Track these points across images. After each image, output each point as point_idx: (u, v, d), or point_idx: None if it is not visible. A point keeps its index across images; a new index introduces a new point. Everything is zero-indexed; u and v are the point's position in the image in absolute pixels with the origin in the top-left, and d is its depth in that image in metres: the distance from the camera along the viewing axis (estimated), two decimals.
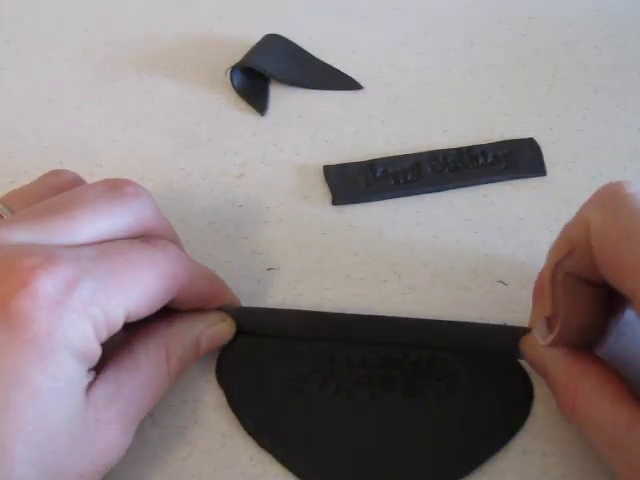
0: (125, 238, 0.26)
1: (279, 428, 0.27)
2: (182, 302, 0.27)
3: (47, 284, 0.22)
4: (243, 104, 0.42)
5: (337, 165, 0.38)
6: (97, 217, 0.25)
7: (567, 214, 0.36)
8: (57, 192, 0.27)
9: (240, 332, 0.30)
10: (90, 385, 0.24)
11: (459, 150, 0.39)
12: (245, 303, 0.32)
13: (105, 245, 0.25)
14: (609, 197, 0.23)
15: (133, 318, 0.25)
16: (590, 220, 0.23)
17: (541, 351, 0.26)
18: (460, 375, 0.29)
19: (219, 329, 0.29)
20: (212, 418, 0.28)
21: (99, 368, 0.24)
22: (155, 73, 0.44)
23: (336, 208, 0.36)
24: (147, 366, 0.26)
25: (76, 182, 0.29)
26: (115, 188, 0.26)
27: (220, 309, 0.29)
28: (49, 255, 0.23)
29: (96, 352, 0.23)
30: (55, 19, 0.48)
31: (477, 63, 0.45)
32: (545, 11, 0.49)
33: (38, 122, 0.41)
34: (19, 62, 0.45)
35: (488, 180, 0.37)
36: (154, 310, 0.26)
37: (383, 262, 0.34)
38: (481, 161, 0.38)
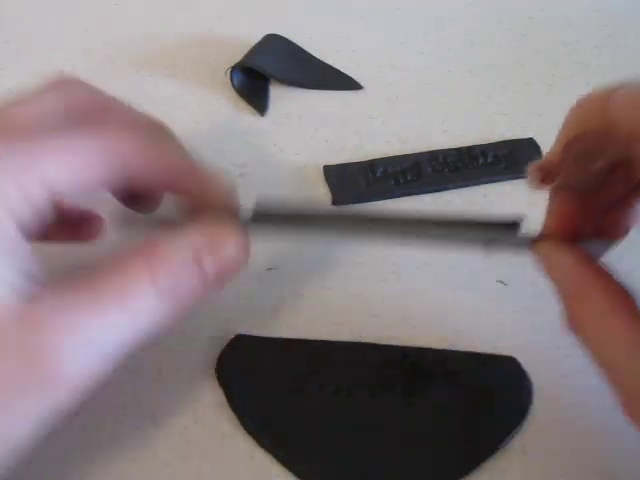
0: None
1: (279, 428, 0.27)
2: (138, 181, 0.24)
3: None
4: (243, 104, 0.42)
5: (337, 165, 0.38)
6: (28, 108, 0.24)
7: None
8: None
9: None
10: (35, 297, 0.20)
11: (459, 150, 0.39)
12: (245, 303, 0.32)
13: (34, 129, 0.23)
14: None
15: (62, 188, 0.21)
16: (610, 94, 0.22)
17: (554, 259, 0.25)
18: (460, 375, 0.29)
19: (227, 246, 0.23)
20: (212, 418, 0.28)
21: None
22: (155, 73, 0.44)
23: (336, 208, 0.36)
24: (120, 283, 0.21)
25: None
26: (47, 83, 0.26)
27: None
28: None
29: (15, 240, 0.20)
30: (55, 19, 0.48)
31: (477, 63, 0.45)
32: (545, 11, 0.49)
33: None
34: (19, 62, 0.45)
35: (488, 180, 0.37)
36: (93, 182, 0.22)
37: (383, 262, 0.34)
38: (481, 161, 0.38)
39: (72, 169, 0.21)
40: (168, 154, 0.25)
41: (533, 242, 0.26)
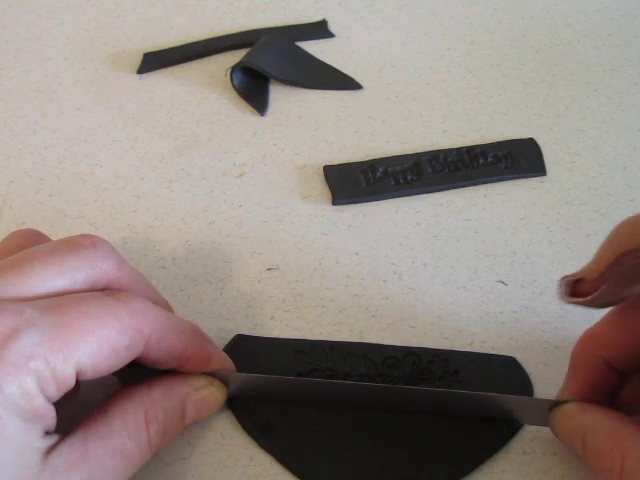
0: (85, 291, 0.24)
1: (279, 428, 0.27)
2: (153, 360, 0.25)
3: None
4: (243, 104, 0.42)
5: (337, 165, 0.38)
6: (49, 270, 0.24)
7: (567, 214, 0.36)
8: (18, 250, 0.25)
9: (231, 399, 0.28)
10: (51, 449, 0.22)
11: (459, 150, 0.39)
12: (245, 303, 0.32)
13: (58, 298, 0.23)
14: None
15: (89, 375, 0.23)
16: None
17: (580, 418, 0.25)
18: (460, 375, 0.29)
19: (207, 393, 0.27)
20: (212, 418, 0.28)
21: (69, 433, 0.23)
22: (155, 73, 0.44)
23: (336, 208, 0.36)
24: (122, 431, 0.24)
25: (41, 240, 0.27)
26: (70, 241, 0.25)
27: (208, 374, 0.27)
28: None
29: (44, 410, 0.22)
30: (55, 19, 0.48)
31: (477, 63, 0.45)
32: (545, 11, 0.49)
33: (38, 122, 0.41)
34: (19, 62, 0.45)
35: (488, 180, 0.37)
36: (116, 367, 0.24)
37: (383, 262, 0.34)
38: (481, 161, 0.38)
39: (98, 354, 0.23)
40: (191, 333, 0.27)
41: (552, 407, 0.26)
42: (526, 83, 0.44)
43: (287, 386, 0.28)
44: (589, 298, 0.24)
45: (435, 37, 0.47)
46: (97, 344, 0.23)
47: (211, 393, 0.27)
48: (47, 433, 0.22)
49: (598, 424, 0.24)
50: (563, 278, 0.25)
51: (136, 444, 0.24)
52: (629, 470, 0.23)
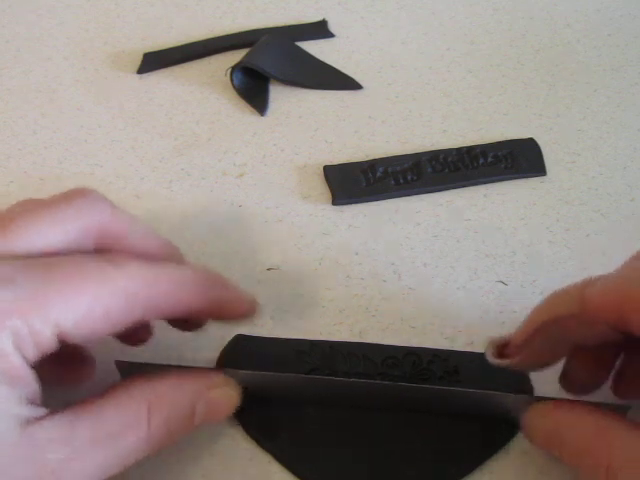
0: (83, 253, 0.24)
1: (279, 428, 0.27)
2: (164, 316, 0.25)
3: None
4: (243, 104, 0.42)
5: (337, 165, 0.38)
6: (38, 223, 0.23)
7: (567, 214, 0.36)
8: None
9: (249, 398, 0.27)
10: (33, 421, 0.21)
11: (459, 150, 0.39)
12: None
13: (47, 258, 0.22)
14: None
15: (76, 337, 0.22)
16: (626, 289, 0.22)
17: (556, 416, 0.24)
18: (460, 375, 0.29)
19: (220, 393, 0.25)
20: None
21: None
22: (155, 73, 0.44)
23: (336, 208, 0.36)
24: (115, 419, 0.23)
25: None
26: (63, 196, 0.24)
27: (224, 373, 0.26)
28: None
29: (22, 372, 0.21)
30: (55, 19, 0.48)
31: (477, 63, 0.45)
32: (545, 11, 0.49)
33: (38, 122, 0.41)
34: (19, 62, 0.45)
35: (488, 180, 0.37)
36: (111, 330, 0.23)
37: (383, 262, 0.34)
38: (481, 161, 0.38)
39: (84, 315, 0.22)
40: (193, 292, 0.25)
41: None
42: (526, 83, 0.44)
43: (292, 384, 0.27)
44: (510, 361, 0.25)
45: (435, 37, 0.47)
46: (83, 305, 0.22)
47: (225, 393, 0.26)
48: (30, 403, 0.21)
49: (577, 420, 0.24)
50: (491, 341, 0.26)
51: (133, 435, 0.23)
52: (616, 465, 0.22)
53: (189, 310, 0.25)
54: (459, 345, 0.31)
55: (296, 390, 0.28)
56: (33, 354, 0.21)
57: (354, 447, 0.27)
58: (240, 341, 0.30)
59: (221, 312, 0.26)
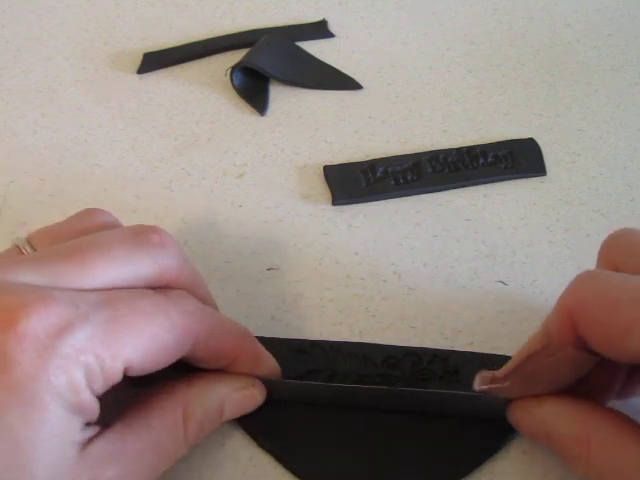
0: (142, 288, 0.24)
1: (279, 428, 0.27)
2: (201, 359, 0.26)
3: (36, 325, 0.20)
4: (243, 104, 0.42)
5: (337, 165, 0.38)
6: (111, 264, 0.23)
7: (567, 214, 0.36)
8: (84, 234, 0.25)
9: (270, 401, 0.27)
10: (89, 441, 0.22)
11: (459, 150, 0.39)
12: (245, 303, 0.32)
13: (112, 292, 0.23)
14: (584, 280, 0.23)
15: (137, 371, 0.23)
16: (571, 304, 0.23)
17: (540, 410, 0.25)
18: (460, 375, 0.29)
19: (247, 394, 0.27)
20: None
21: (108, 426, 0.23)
22: (155, 73, 0.44)
23: (336, 208, 0.36)
24: (159, 427, 0.24)
25: (109, 225, 0.27)
26: (139, 234, 0.25)
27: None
28: (44, 295, 0.21)
29: (89, 403, 0.22)
30: (55, 19, 0.48)
31: (477, 63, 0.45)
32: (545, 11, 0.49)
33: (38, 122, 0.41)
34: (19, 62, 0.45)
35: (488, 180, 0.37)
36: (163, 365, 0.24)
37: (383, 262, 0.34)
38: (481, 161, 0.38)
39: (147, 354, 0.23)
40: (239, 335, 0.27)
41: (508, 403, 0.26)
42: (526, 83, 0.44)
43: (327, 394, 0.28)
44: (496, 387, 0.26)
45: (435, 37, 0.47)
46: (146, 341, 0.23)
47: (251, 394, 0.27)
48: (87, 425, 0.22)
49: (559, 414, 0.24)
50: (480, 375, 0.26)
51: (172, 440, 0.24)
52: (593, 453, 0.23)
53: (228, 354, 0.26)
54: (459, 345, 0.31)
55: (298, 393, 0.28)
56: (101, 388, 0.22)
57: (354, 447, 0.27)
58: None
59: (254, 364, 0.27)
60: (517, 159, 0.38)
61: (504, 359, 0.30)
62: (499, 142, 0.39)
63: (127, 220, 0.35)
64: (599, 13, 0.49)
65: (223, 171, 0.38)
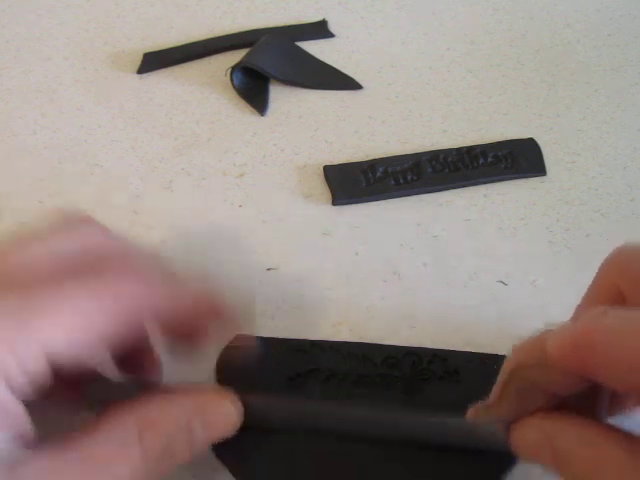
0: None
1: (256, 459, 0.26)
2: (169, 329, 0.24)
3: None
4: (243, 104, 0.42)
5: (337, 165, 0.38)
6: (32, 241, 0.23)
7: (567, 214, 0.36)
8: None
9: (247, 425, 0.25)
10: (22, 461, 0.20)
11: (459, 150, 0.39)
12: (245, 303, 0.32)
13: (32, 279, 0.22)
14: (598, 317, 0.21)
15: (66, 357, 0.21)
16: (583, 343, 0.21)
17: (546, 424, 0.23)
18: (460, 375, 0.29)
19: (218, 412, 0.24)
20: None
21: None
22: (155, 73, 0.44)
23: (336, 208, 0.36)
24: (106, 445, 0.21)
25: (97, 246, 0.25)
26: (55, 227, 0.24)
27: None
28: None
29: (10, 405, 0.20)
30: (55, 19, 0.48)
31: (477, 63, 0.45)
32: (545, 11, 0.49)
33: (38, 122, 0.41)
34: (19, 62, 0.45)
35: (488, 180, 0.37)
36: (102, 350, 0.22)
37: (383, 262, 0.34)
38: (481, 161, 0.38)
39: (71, 331, 0.21)
40: (189, 307, 0.24)
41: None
42: (526, 83, 0.44)
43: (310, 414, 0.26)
44: (490, 413, 0.25)
45: (435, 37, 0.47)
46: (71, 325, 0.21)
47: (222, 407, 0.24)
48: (18, 440, 0.20)
49: (566, 428, 0.23)
50: (474, 406, 0.26)
51: (125, 460, 0.21)
52: (598, 470, 0.21)
53: (186, 322, 0.24)
54: (459, 345, 0.31)
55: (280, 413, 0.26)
56: (25, 385, 0.20)
57: (354, 447, 0.27)
58: (240, 341, 0.30)
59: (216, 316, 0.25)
60: (517, 159, 0.38)
61: (504, 359, 0.30)
62: (499, 142, 0.39)
63: (127, 221, 0.36)
64: (599, 13, 0.49)
65: (223, 171, 0.38)
